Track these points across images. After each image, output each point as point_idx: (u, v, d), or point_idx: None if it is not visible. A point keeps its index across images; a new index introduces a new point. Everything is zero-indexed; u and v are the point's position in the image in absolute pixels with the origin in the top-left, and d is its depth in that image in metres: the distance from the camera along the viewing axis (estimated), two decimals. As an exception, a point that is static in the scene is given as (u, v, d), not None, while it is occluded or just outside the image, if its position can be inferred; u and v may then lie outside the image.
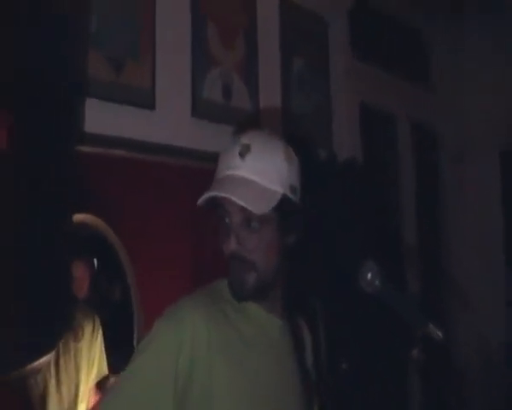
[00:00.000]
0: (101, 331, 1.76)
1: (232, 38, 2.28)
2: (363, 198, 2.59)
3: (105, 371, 1.77)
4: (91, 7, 1.74)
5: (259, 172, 1.06)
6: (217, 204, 1.08)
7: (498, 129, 3.54)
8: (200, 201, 1.06)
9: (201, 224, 1.97)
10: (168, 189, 1.95)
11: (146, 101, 1.93)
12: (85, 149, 1.70)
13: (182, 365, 1.01)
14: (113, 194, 1.78)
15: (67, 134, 1.63)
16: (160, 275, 1.86)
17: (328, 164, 2.53)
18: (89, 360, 1.74)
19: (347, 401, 2.12)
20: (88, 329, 1.75)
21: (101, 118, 1.77)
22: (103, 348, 1.77)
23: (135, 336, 1.80)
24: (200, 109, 2.11)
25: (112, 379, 1.75)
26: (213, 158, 2.00)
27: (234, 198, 1.03)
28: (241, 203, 1.02)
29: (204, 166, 2.05)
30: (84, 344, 1.72)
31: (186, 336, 1.02)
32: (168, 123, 2.00)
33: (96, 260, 1.82)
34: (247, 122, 2.17)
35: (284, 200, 1.06)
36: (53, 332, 1.45)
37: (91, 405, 1.72)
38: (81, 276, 1.76)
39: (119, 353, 1.80)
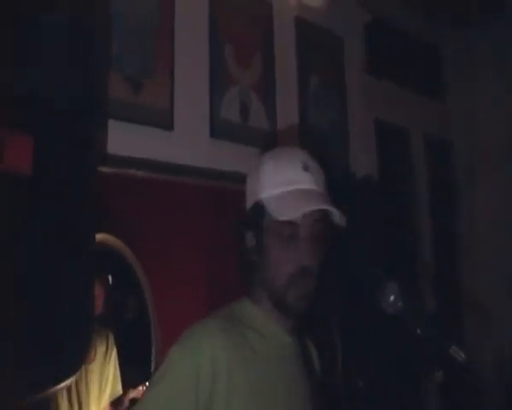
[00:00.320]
0: (115, 351, 1.75)
1: (249, 57, 2.30)
2: (380, 215, 2.58)
3: (119, 390, 1.76)
4: (112, 30, 1.75)
5: (322, 186, 1.07)
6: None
7: (513, 143, 3.51)
8: (298, 214, 1.03)
9: (219, 244, 1.97)
10: (186, 209, 1.96)
11: (164, 121, 1.94)
12: (105, 169, 1.71)
13: (201, 394, 0.96)
14: (132, 214, 1.80)
15: (89, 156, 1.63)
16: (178, 294, 1.86)
17: (346, 180, 2.52)
18: (101, 380, 1.73)
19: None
20: (101, 349, 1.74)
21: (121, 139, 1.79)
22: (117, 367, 1.76)
23: (152, 353, 1.80)
24: (219, 129, 2.13)
25: (131, 393, 1.75)
26: (232, 178, 2.03)
27: (332, 210, 1.03)
28: (337, 219, 1.03)
29: (222, 186, 2.06)
30: (96, 365, 1.71)
31: (204, 364, 0.97)
32: (187, 143, 2.01)
33: (110, 277, 1.82)
34: (266, 142, 2.17)
35: None
36: (76, 356, 1.44)
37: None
38: (96, 293, 1.76)
39: (137, 370, 1.80)
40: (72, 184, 1.47)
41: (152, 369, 1.76)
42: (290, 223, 1.04)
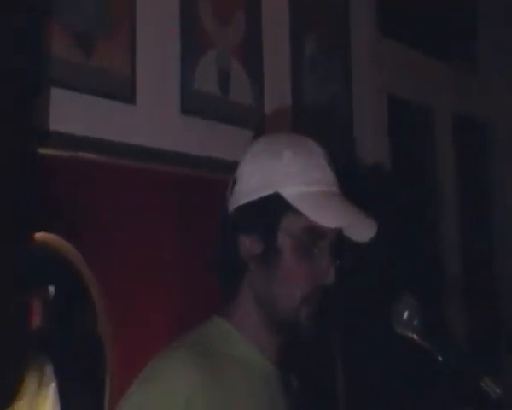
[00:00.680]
0: (53, 384, 1.73)
1: (230, 13, 2.32)
2: (392, 211, 2.63)
3: None
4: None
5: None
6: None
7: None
8: (344, 223, 1.14)
9: (191, 244, 2.04)
10: (150, 202, 2.00)
11: (123, 92, 1.98)
12: (48, 151, 1.75)
13: None
14: (81, 208, 1.83)
15: (26, 133, 1.67)
16: (138, 305, 1.92)
17: (350, 169, 2.58)
18: None
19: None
20: (33, 383, 1.69)
21: (67, 113, 1.82)
22: (57, 404, 1.73)
23: (106, 378, 1.82)
24: (191, 104, 2.17)
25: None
26: (207, 164, 2.09)
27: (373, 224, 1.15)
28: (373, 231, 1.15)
29: (195, 174, 2.12)
30: (24, 406, 1.65)
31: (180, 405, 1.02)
32: (151, 120, 2.06)
33: (52, 288, 1.84)
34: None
35: None
36: (7, 392, 1.46)
37: None
38: (33, 309, 1.75)
39: (86, 400, 1.82)
40: (3, 171, 1.48)
41: (106, 398, 1.82)
42: (320, 230, 1.12)
